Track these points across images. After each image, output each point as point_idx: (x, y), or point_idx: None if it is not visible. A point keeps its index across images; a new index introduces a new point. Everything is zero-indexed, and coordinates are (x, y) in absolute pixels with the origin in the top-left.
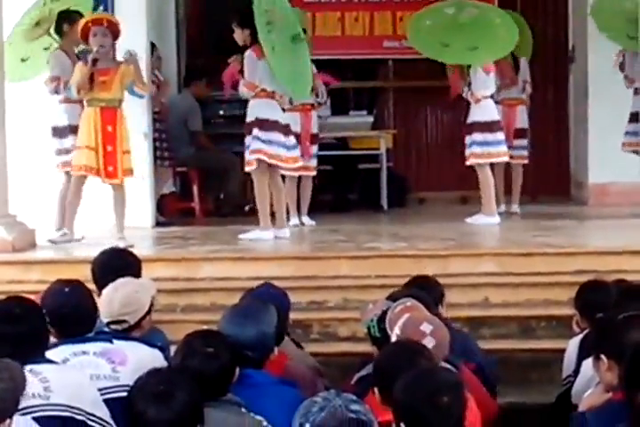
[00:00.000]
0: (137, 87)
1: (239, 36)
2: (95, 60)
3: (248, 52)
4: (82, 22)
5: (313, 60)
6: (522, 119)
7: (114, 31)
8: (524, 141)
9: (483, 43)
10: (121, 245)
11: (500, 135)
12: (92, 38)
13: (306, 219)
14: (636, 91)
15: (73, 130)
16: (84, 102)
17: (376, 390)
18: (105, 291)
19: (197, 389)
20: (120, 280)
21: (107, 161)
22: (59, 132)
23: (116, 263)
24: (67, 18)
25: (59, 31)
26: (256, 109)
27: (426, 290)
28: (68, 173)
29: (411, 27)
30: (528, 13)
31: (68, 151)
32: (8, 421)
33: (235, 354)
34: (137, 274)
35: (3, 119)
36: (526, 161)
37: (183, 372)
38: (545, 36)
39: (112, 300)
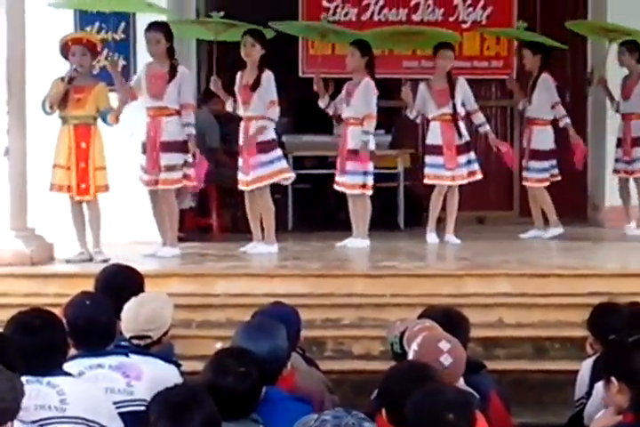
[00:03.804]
0: (109, 117)
1: (255, 52)
2: (72, 79)
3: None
4: (62, 40)
5: (333, 79)
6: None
7: (93, 50)
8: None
9: None
10: (98, 258)
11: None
12: (72, 57)
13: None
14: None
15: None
16: (60, 120)
17: (384, 411)
18: (129, 305)
19: (216, 406)
20: (144, 295)
21: (79, 178)
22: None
23: (119, 279)
24: None
25: None
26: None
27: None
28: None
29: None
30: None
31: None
32: (10, 424)
33: (263, 372)
34: (140, 291)
35: (24, 134)
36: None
37: (203, 389)
38: (563, 59)
39: (138, 315)
